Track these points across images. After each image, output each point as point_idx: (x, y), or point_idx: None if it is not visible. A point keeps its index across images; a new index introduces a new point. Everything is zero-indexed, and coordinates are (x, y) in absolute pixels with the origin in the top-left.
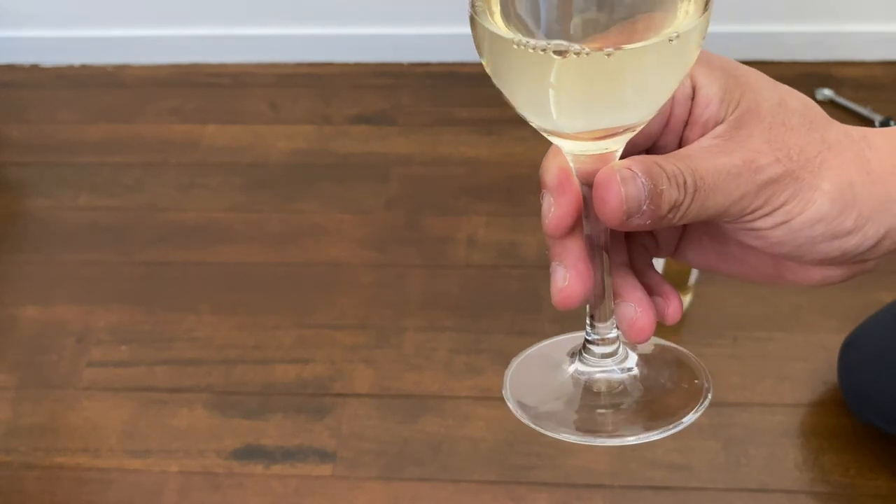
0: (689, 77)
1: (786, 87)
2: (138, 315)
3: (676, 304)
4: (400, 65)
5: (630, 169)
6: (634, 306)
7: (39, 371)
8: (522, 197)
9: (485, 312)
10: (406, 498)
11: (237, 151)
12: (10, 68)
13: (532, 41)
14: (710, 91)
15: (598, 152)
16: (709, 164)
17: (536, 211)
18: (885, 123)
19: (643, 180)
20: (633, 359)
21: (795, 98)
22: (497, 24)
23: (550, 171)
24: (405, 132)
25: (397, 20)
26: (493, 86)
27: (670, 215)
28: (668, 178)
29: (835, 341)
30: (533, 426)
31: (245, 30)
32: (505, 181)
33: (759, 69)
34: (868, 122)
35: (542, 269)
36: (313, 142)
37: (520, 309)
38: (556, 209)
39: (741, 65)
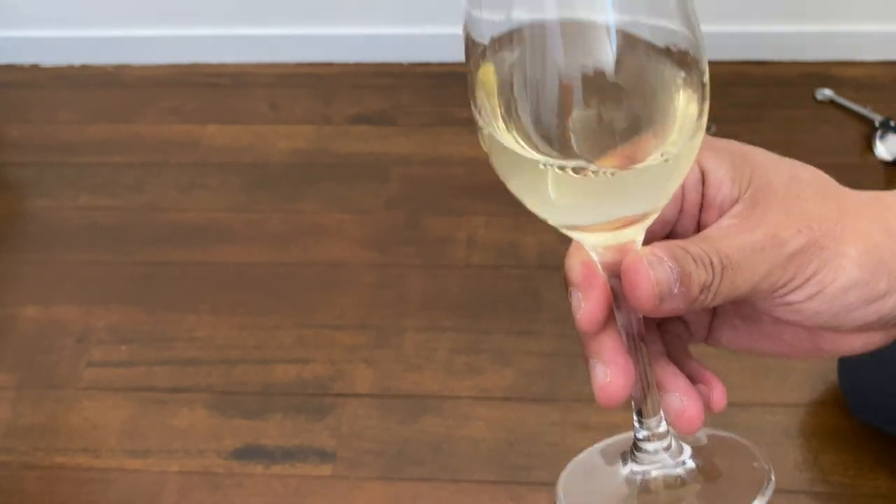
0: (697, 163)
1: (792, 160)
2: (138, 315)
3: (721, 391)
4: (400, 65)
5: (655, 254)
6: (680, 396)
7: (39, 371)
8: None
9: (485, 312)
10: (406, 498)
11: (237, 151)
12: (10, 68)
13: (552, 161)
14: (719, 173)
15: (620, 242)
16: (732, 242)
17: None
18: (885, 123)
19: (670, 264)
20: (686, 451)
21: (804, 170)
22: (500, 128)
23: (574, 268)
24: (405, 132)
25: (397, 20)
26: None
27: (702, 297)
28: (695, 260)
29: None
30: None
31: (245, 30)
32: None
33: (759, 69)
34: (868, 122)
35: (542, 269)
36: (313, 142)
37: (520, 309)
38: (586, 305)
39: (745, 145)
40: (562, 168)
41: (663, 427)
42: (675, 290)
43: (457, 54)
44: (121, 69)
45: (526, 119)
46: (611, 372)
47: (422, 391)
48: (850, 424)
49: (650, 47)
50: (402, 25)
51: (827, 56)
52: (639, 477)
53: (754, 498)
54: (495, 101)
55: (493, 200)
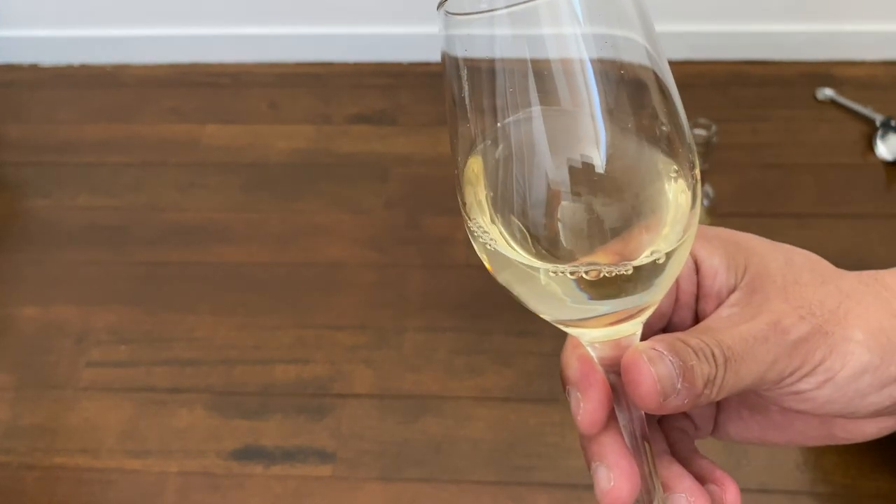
0: (690, 253)
1: (786, 245)
2: (138, 315)
3: (734, 492)
4: (400, 65)
5: (655, 349)
6: (686, 496)
7: (39, 371)
8: None
9: (485, 312)
10: (406, 498)
11: (237, 151)
12: (10, 68)
13: (562, 267)
14: (713, 262)
15: (618, 336)
16: (733, 332)
17: None
18: (885, 123)
19: (671, 358)
20: None
21: (799, 254)
22: (487, 222)
23: (571, 365)
24: (405, 132)
25: (397, 20)
26: None
27: (707, 391)
28: (696, 353)
29: None
30: None
31: (245, 30)
32: None
33: (759, 69)
34: (869, 122)
35: None
36: (313, 142)
37: (520, 309)
38: (585, 405)
39: (737, 232)
40: (572, 274)
41: None
42: (679, 386)
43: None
44: (120, 69)
45: (513, 214)
46: (615, 476)
47: (422, 391)
48: None
49: (640, 137)
50: (402, 25)
51: (827, 56)
52: None
53: None
54: (482, 195)
55: None
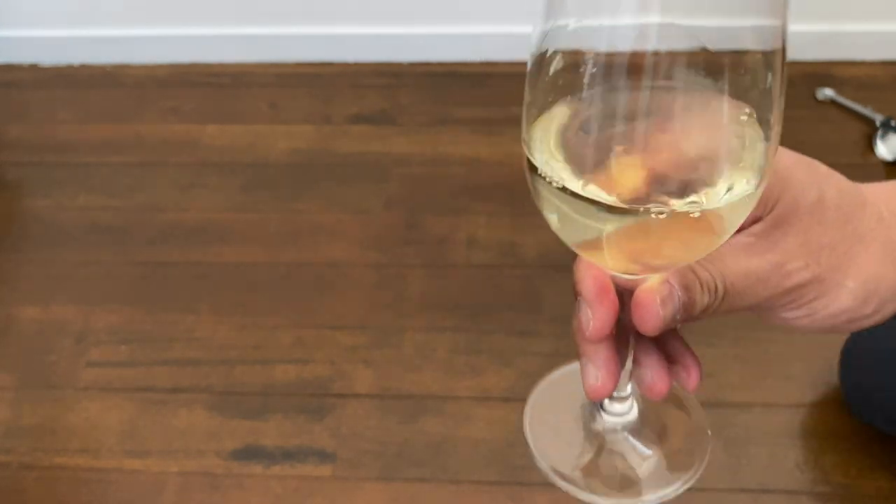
0: None
1: (825, 174)
2: (138, 315)
3: (696, 377)
4: (400, 65)
5: (668, 285)
6: (651, 373)
7: (39, 371)
8: (522, 197)
9: (485, 312)
10: (406, 498)
11: (237, 151)
12: (10, 68)
13: (606, 198)
14: None
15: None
16: (740, 267)
17: (536, 211)
18: (885, 123)
19: (679, 293)
20: (636, 408)
21: (833, 188)
22: (550, 158)
23: (586, 283)
24: (405, 132)
25: (397, 20)
26: (492, 85)
27: (699, 316)
28: (702, 286)
29: (835, 341)
30: (560, 484)
31: (245, 30)
32: (505, 181)
33: None
34: (869, 122)
35: (542, 268)
36: (313, 142)
37: (520, 309)
38: (595, 322)
39: (784, 156)
40: (610, 209)
41: (628, 391)
42: (678, 317)
43: (457, 54)
44: (120, 69)
45: (579, 154)
46: (602, 376)
47: (422, 391)
48: (851, 424)
49: (722, 83)
50: (402, 25)
51: (827, 56)
52: (596, 428)
53: (695, 454)
54: (552, 131)
55: (493, 200)
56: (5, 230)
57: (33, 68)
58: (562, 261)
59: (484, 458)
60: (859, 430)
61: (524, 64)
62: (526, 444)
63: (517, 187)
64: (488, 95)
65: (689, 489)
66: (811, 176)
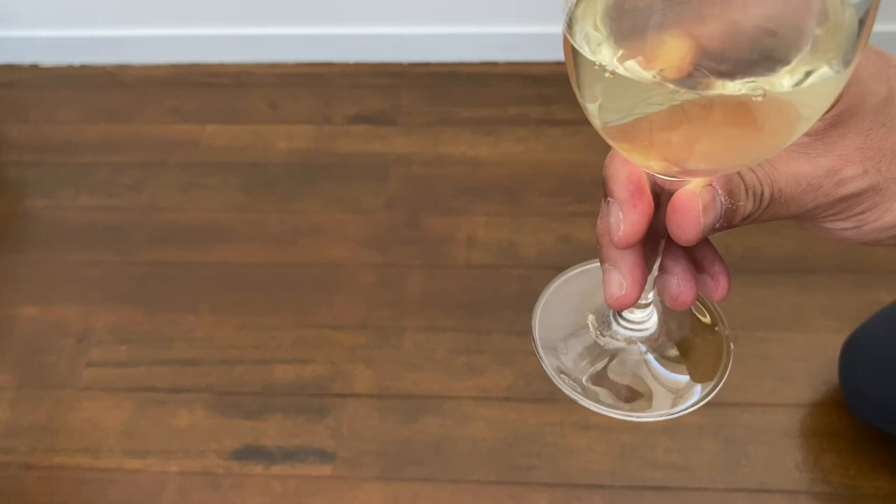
0: None
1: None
2: (138, 315)
3: (724, 286)
4: (400, 65)
5: (712, 185)
6: (678, 280)
7: (39, 371)
8: (522, 197)
9: (485, 312)
10: (406, 498)
11: (237, 151)
12: (10, 68)
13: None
14: None
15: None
16: (790, 171)
17: (536, 211)
18: None
19: (723, 199)
20: (656, 315)
21: None
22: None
23: (619, 181)
24: (405, 132)
25: (397, 20)
26: (492, 86)
27: (738, 223)
28: (747, 191)
29: (835, 341)
30: (575, 397)
31: (245, 30)
32: (505, 181)
33: None
34: None
35: (543, 268)
36: (313, 142)
37: (520, 309)
38: (626, 226)
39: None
40: (649, 86)
41: (650, 298)
42: (718, 225)
43: (457, 54)
44: (121, 69)
45: (623, 26)
46: (627, 284)
47: (422, 391)
48: (851, 424)
49: None
50: (402, 25)
51: None
52: (612, 337)
53: (714, 368)
54: (599, 5)
55: (493, 200)
56: (5, 230)
57: (33, 68)
58: (562, 261)
59: (484, 458)
60: (859, 430)
61: (524, 64)
62: (534, 346)
63: (517, 187)
64: (488, 95)
65: (689, 488)
66: (882, 69)
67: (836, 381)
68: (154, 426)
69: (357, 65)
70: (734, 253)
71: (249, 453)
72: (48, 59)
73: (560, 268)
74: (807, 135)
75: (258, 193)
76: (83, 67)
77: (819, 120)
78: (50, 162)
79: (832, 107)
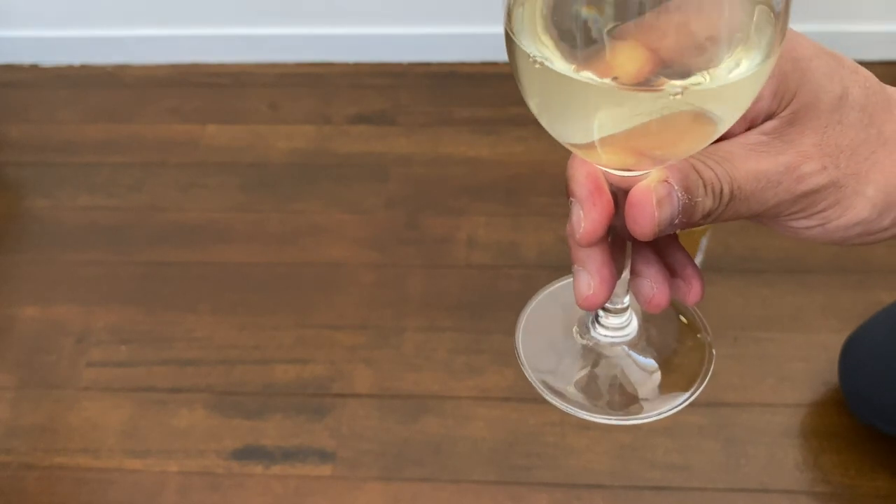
0: None
1: (851, 69)
2: (138, 315)
3: (698, 290)
4: (400, 65)
5: (668, 181)
6: (651, 283)
7: (39, 371)
8: (522, 197)
9: (485, 312)
10: (406, 498)
11: (237, 151)
12: (10, 68)
13: (594, 78)
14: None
15: (637, 175)
16: (749, 168)
17: (536, 211)
18: None
19: (679, 194)
20: (636, 321)
21: (858, 86)
22: (537, 39)
23: (579, 180)
24: (405, 132)
25: (397, 20)
26: (492, 86)
27: (700, 221)
28: (705, 187)
29: (835, 341)
30: (552, 400)
31: (245, 30)
32: (505, 181)
33: None
34: None
35: (542, 268)
36: (313, 142)
37: (520, 309)
38: (586, 223)
39: (806, 44)
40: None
41: (626, 303)
42: (677, 221)
43: (457, 54)
44: (121, 69)
45: (566, 27)
46: (595, 284)
47: (422, 391)
48: (851, 424)
49: None
50: (402, 25)
51: None
52: (592, 343)
53: (696, 371)
54: (538, 9)
55: (493, 200)
56: (5, 230)
57: (33, 68)
58: (562, 261)
59: (484, 458)
60: (859, 430)
61: None
62: (517, 357)
63: (517, 187)
64: (488, 95)
65: (689, 488)
66: (835, 69)
67: (835, 381)
68: (154, 426)
69: (357, 65)
70: (734, 253)
71: (249, 453)
72: (48, 59)
73: (560, 268)
74: (766, 133)
75: (258, 193)
76: (83, 67)
77: (776, 118)
78: (50, 162)
79: (787, 104)
